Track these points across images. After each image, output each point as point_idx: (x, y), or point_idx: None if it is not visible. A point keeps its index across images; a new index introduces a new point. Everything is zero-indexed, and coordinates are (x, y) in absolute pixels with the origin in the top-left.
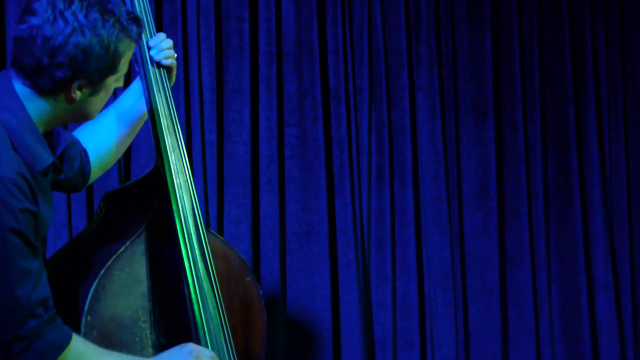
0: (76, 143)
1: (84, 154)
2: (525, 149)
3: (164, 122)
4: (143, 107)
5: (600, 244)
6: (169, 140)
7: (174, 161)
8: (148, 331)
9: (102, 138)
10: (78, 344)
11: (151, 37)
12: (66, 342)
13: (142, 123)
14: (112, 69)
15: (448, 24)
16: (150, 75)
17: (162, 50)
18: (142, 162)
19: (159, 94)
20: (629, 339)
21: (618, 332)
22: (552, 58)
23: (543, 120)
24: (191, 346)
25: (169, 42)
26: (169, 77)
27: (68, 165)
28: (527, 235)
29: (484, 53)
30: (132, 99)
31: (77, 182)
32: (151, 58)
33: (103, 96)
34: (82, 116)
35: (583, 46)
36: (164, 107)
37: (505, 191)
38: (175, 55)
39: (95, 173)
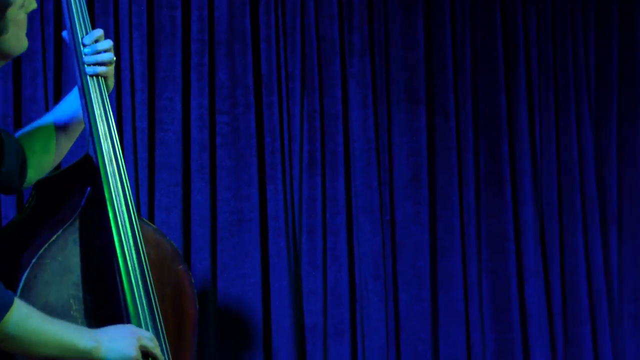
0: (13, 140)
1: (21, 152)
2: (457, 137)
3: (97, 109)
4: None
5: (531, 232)
6: (102, 128)
7: (106, 149)
8: (80, 320)
9: (41, 140)
10: (21, 307)
11: (87, 33)
12: (9, 303)
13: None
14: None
15: (381, 12)
16: (80, 67)
17: (97, 52)
18: (72, 149)
19: (92, 82)
20: (558, 327)
21: (548, 320)
22: (484, 47)
23: (474, 108)
24: (132, 327)
25: (107, 44)
26: (106, 85)
27: (5, 158)
28: (458, 223)
29: (416, 41)
30: (74, 103)
31: (13, 180)
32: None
33: (16, 30)
34: (2, 56)
35: (515, 35)
36: (96, 94)
37: (436, 179)
38: (114, 59)
39: (33, 176)
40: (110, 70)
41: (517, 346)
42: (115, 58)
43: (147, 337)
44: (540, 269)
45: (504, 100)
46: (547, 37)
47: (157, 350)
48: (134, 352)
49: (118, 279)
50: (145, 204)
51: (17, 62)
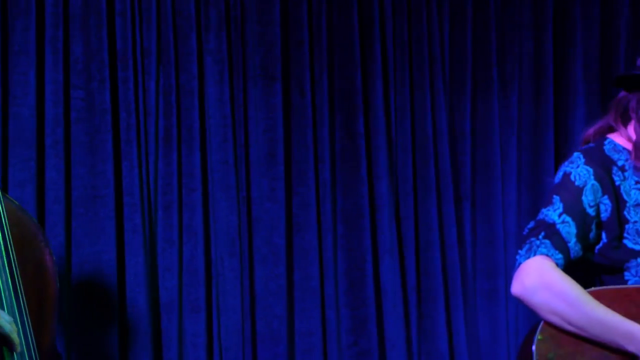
0: None
1: None
2: (313, 113)
3: None
4: None
5: (386, 208)
6: None
7: None
8: None
9: None
10: None
11: None
12: None
13: None
14: None
15: None
16: None
17: None
18: None
19: None
20: (412, 302)
21: (402, 296)
22: (339, 23)
23: (330, 84)
24: None
25: None
26: None
27: None
28: (314, 199)
29: (272, 17)
30: None
31: None
32: None
33: None
34: None
35: (370, 11)
36: None
37: (292, 156)
38: None
39: None
40: None
41: (371, 322)
42: None
43: (4, 320)
44: (395, 245)
45: (359, 76)
46: (402, 13)
47: (13, 335)
48: None
49: None
50: None
51: None
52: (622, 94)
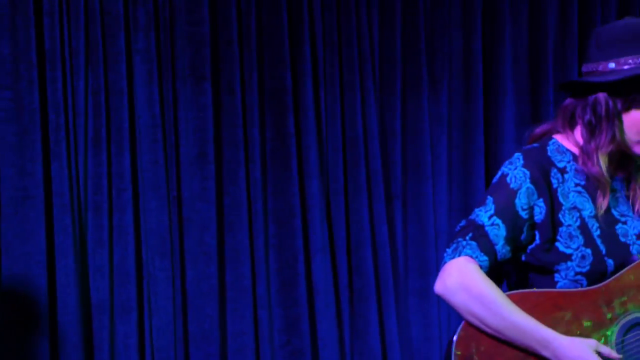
0: None
1: None
2: (243, 112)
3: None
4: None
5: (317, 208)
6: None
7: None
8: None
9: None
10: None
11: None
12: None
13: None
14: None
15: None
16: None
17: None
18: None
19: None
20: (344, 301)
21: (334, 295)
22: (269, 22)
23: (260, 84)
24: None
25: None
26: None
27: None
28: (245, 199)
29: (201, 16)
30: None
31: None
32: None
33: None
34: None
35: (300, 11)
36: None
37: (223, 155)
38: None
39: None
40: None
41: (304, 321)
42: None
43: None
44: (327, 245)
45: (289, 76)
46: (332, 13)
47: None
48: None
49: None
50: None
51: None
52: (569, 100)
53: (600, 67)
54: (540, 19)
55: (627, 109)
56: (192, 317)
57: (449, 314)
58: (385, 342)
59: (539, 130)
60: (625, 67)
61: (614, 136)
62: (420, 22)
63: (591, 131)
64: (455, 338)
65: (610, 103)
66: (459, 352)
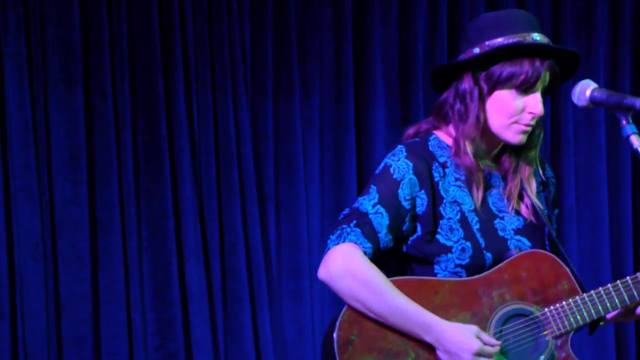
0: None
1: None
2: (115, 116)
3: None
4: None
5: (190, 211)
6: None
7: None
8: None
9: None
10: None
11: None
12: None
13: None
14: None
15: None
16: None
17: None
18: None
19: None
20: (218, 304)
21: (208, 298)
22: (140, 26)
23: (132, 88)
24: None
25: None
26: None
27: None
28: (118, 202)
29: (72, 21)
30: None
31: None
32: None
33: None
34: None
35: (171, 15)
36: None
37: (95, 159)
38: None
39: None
40: None
41: (177, 324)
42: None
43: None
44: (200, 248)
45: (161, 79)
46: (203, 16)
47: None
48: None
49: None
50: None
51: None
52: (442, 96)
53: (467, 55)
54: (410, 22)
55: (491, 90)
56: (66, 322)
57: (323, 316)
58: (259, 344)
59: (412, 130)
60: (487, 49)
61: (478, 119)
62: (292, 25)
63: (460, 118)
64: (337, 323)
65: (473, 83)
66: (338, 336)
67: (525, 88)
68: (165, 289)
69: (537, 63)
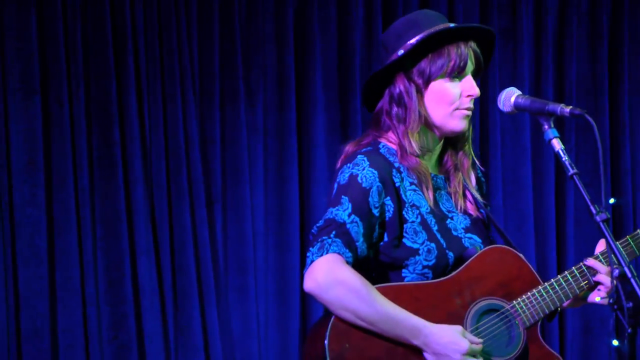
0: None
1: None
2: (71, 123)
3: None
4: None
5: (142, 212)
6: None
7: None
8: None
9: None
10: None
11: None
12: None
13: None
14: None
15: None
16: None
17: None
18: None
19: None
20: (168, 299)
21: (159, 293)
22: (94, 38)
23: (87, 96)
24: None
25: None
26: None
27: None
28: (74, 204)
29: (29, 34)
30: None
31: None
32: None
33: None
34: None
35: (123, 27)
36: None
37: (52, 163)
38: None
39: None
40: None
41: (130, 318)
42: None
43: None
44: (151, 247)
45: (115, 88)
46: (154, 29)
47: None
48: None
49: None
50: None
51: None
52: (376, 108)
53: (394, 58)
54: (348, 34)
55: (426, 83)
56: (25, 315)
57: (267, 309)
58: (208, 336)
59: (350, 147)
60: (411, 46)
61: (420, 115)
62: (237, 37)
63: (400, 120)
64: (327, 333)
65: (408, 82)
66: (330, 349)
67: (457, 73)
68: (119, 285)
69: (462, 47)
